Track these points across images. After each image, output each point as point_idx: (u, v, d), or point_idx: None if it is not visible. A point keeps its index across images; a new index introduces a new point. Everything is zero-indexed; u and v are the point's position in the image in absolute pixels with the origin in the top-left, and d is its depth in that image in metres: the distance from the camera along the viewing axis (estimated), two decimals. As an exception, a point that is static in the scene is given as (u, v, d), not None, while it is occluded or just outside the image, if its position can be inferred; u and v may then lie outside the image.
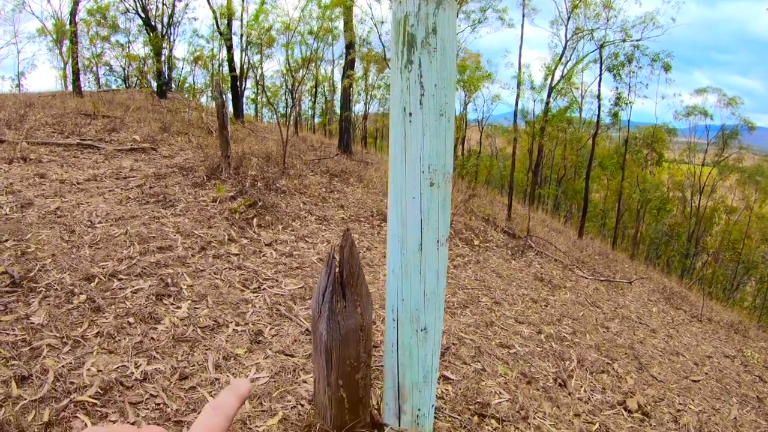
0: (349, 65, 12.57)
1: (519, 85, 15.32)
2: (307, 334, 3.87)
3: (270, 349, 3.60)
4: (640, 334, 6.70)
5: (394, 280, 2.39)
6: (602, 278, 9.34)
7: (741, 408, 5.13)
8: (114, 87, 20.47)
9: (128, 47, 18.76)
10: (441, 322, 2.52)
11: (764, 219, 28.66)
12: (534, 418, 3.56)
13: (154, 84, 15.10)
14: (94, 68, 20.46)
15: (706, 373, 5.98)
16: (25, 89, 20.73)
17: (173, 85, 19.54)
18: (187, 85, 21.76)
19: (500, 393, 3.77)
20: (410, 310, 2.40)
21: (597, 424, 3.79)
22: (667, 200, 28.35)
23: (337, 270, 2.37)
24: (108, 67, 21.39)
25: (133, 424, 2.63)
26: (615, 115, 20.18)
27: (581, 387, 4.39)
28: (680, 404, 4.71)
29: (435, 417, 3.17)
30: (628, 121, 21.46)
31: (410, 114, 2.16)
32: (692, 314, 9.44)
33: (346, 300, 2.38)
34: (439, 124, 2.17)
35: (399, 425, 2.71)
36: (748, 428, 4.69)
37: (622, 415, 4.14)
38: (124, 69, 21.33)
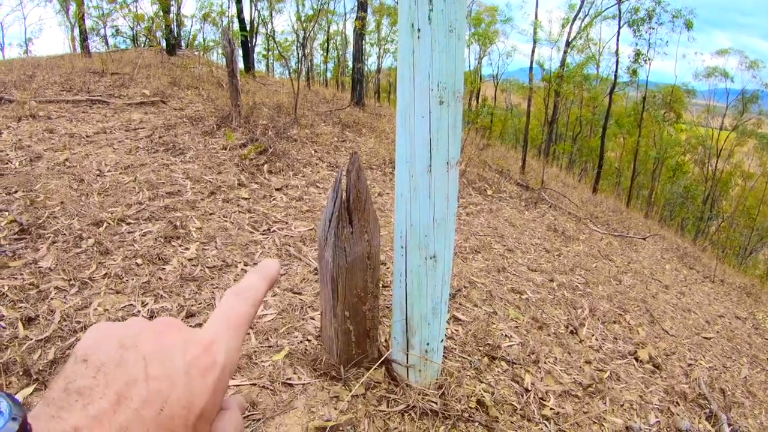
0: (361, 7, 12.23)
1: (535, 30, 14.95)
2: (316, 274, 3.83)
3: (278, 287, 3.57)
4: (652, 289, 6.62)
5: (402, 205, 2.31)
6: (616, 233, 9.23)
7: (751, 368, 5.08)
8: (123, 48, 20.28)
9: (136, 7, 18.56)
10: (451, 250, 2.45)
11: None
12: (545, 363, 3.52)
13: (163, 42, 14.92)
14: (102, 30, 20.29)
15: (718, 332, 5.92)
16: (33, 54, 20.59)
17: (183, 43, 19.33)
18: (197, 43, 21.52)
19: (511, 336, 3.73)
20: (419, 236, 2.32)
21: (608, 372, 3.74)
22: (683, 162, 28.00)
23: (344, 195, 2.29)
24: (115, 29, 21.21)
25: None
26: (633, 72, 19.76)
27: (593, 335, 4.35)
28: (691, 359, 4.66)
29: (444, 357, 3.13)
30: (647, 79, 21.08)
31: (418, 30, 2.05)
32: (705, 275, 9.33)
33: (352, 226, 2.31)
34: (448, 41, 2.06)
35: (407, 361, 2.66)
36: (758, 388, 4.64)
37: (633, 365, 4.09)
38: (132, 29, 21.14)
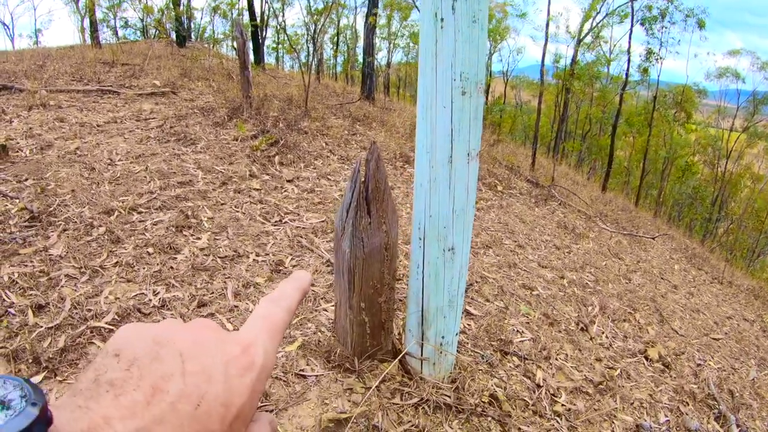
0: (374, 3, 12.14)
1: (547, 26, 14.87)
2: (328, 266, 3.83)
3: (291, 279, 3.55)
4: (661, 288, 6.60)
5: (421, 195, 2.29)
6: (625, 232, 9.20)
7: (759, 370, 5.06)
8: (132, 39, 20.30)
9: (145, -1, 18.54)
10: (469, 243, 2.43)
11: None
12: (556, 359, 3.51)
13: (173, 33, 14.94)
14: (112, 21, 20.32)
15: (726, 333, 5.90)
16: (43, 45, 20.64)
17: (192, 36, 19.34)
18: (206, 35, 21.56)
19: (522, 332, 3.72)
20: (438, 228, 2.30)
21: (618, 370, 3.74)
22: (693, 163, 27.94)
23: (362, 185, 2.27)
24: (124, 21, 21.26)
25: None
26: (645, 70, 19.70)
27: (603, 333, 4.33)
28: (700, 359, 4.65)
29: (457, 351, 3.11)
30: (657, 79, 21.02)
31: (442, 20, 2.03)
32: (713, 276, 9.31)
33: (370, 216, 2.29)
34: (472, 31, 2.04)
35: (421, 353, 2.64)
36: (766, 390, 4.62)
37: (643, 363, 4.08)
38: (142, 20, 21.19)
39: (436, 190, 2.23)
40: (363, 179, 2.26)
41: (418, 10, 2.47)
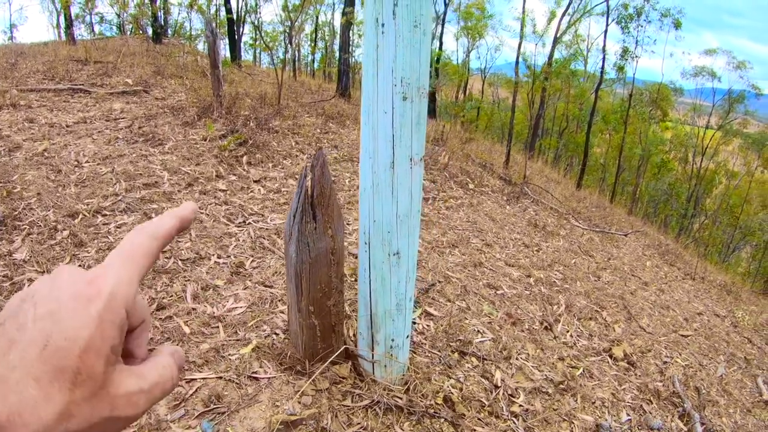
0: (349, 2, 12.12)
1: (522, 26, 14.96)
2: (288, 267, 3.83)
3: (250, 281, 3.57)
4: (631, 285, 6.63)
5: (365, 200, 2.31)
6: (597, 229, 9.24)
7: (728, 367, 5.10)
8: (108, 35, 20.10)
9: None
10: (416, 247, 2.45)
11: (765, 185, 28.62)
12: (516, 359, 3.53)
13: (149, 30, 14.80)
14: (88, 17, 20.11)
15: (696, 330, 5.92)
16: (18, 41, 20.37)
17: (169, 32, 19.16)
18: (183, 31, 21.43)
19: (483, 332, 3.74)
20: (382, 233, 2.32)
21: (581, 369, 3.76)
22: (668, 159, 28.27)
23: (308, 190, 2.29)
24: (99, 16, 21.06)
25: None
26: (620, 68, 19.90)
27: (567, 332, 4.36)
28: (667, 357, 4.68)
29: (414, 352, 3.14)
30: (633, 77, 21.23)
31: (382, 25, 2.04)
32: (686, 272, 9.34)
33: (316, 221, 2.31)
34: (413, 36, 2.05)
35: (372, 356, 2.66)
36: (734, 387, 4.66)
37: (608, 362, 4.10)
38: (118, 16, 20.99)
39: (379, 196, 2.25)
40: (309, 185, 2.27)
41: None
